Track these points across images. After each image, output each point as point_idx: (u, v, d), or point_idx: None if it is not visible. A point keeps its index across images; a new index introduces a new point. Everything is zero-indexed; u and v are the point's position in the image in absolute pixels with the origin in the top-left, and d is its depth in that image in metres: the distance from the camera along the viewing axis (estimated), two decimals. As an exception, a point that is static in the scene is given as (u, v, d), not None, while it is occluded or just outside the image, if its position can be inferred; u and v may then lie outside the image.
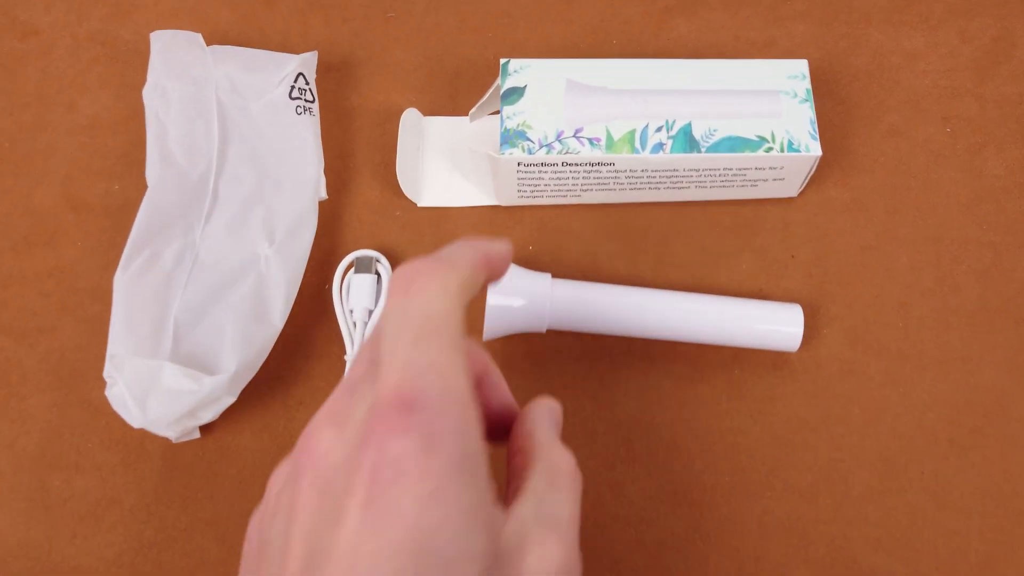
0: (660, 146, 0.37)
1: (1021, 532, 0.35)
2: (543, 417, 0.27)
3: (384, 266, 0.39)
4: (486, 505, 0.22)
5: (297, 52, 0.42)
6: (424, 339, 0.23)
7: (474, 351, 0.27)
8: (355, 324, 0.38)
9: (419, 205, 0.40)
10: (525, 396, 0.37)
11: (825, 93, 0.42)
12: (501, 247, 0.26)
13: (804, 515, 0.36)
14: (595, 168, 0.37)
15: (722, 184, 0.39)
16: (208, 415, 0.35)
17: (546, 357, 0.38)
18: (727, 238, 0.40)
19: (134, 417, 0.34)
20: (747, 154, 0.37)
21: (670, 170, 0.37)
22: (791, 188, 0.39)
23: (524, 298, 0.35)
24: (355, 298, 0.38)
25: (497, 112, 0.39)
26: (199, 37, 0.40)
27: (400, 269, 0.24)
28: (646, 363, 0.38)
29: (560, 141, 0.37)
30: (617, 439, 0.37)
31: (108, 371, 0.35)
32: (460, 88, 0.43)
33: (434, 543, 0.21)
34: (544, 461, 0.25)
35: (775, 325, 0.36)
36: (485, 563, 0.21)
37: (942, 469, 0.36)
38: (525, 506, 0.24)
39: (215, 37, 0.43)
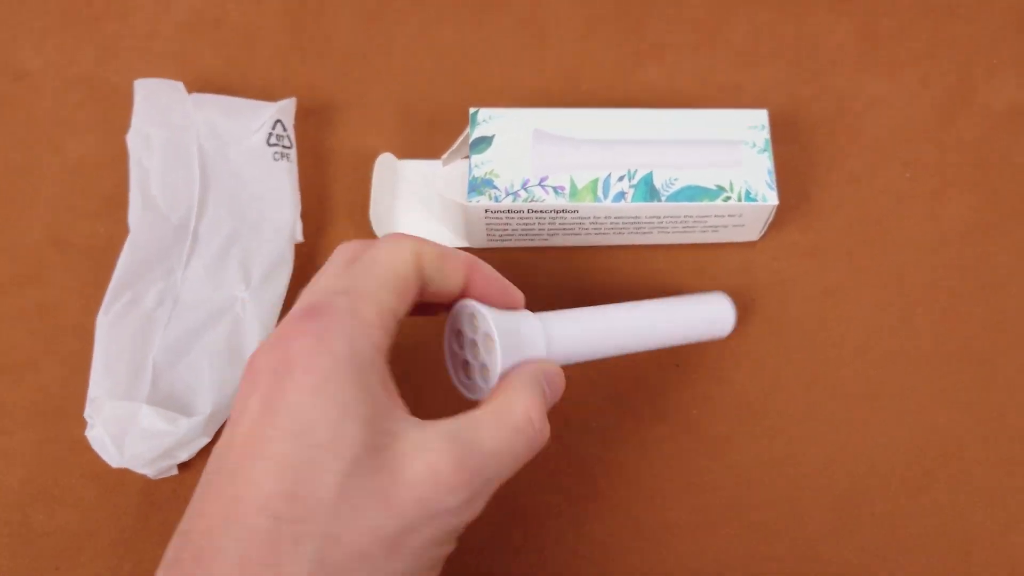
0: (622, 195, 0.38)
1: (969, 571, 0.36)
2: (528, 369, 0.29)
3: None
4: (371, 403, 0.25)
5: (277, 96, 0.44)
6: (351, 271, 0.27)
7: (452, 254, 0.29)
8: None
9: (393, 247, 0.42)
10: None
11: (789, 138, 0.44)
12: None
13: (761, 553, 0.37)
14: (560, 215, 0.38)
15: (683, 230, 0.40)
16: (184, 454, 0.36)
17: (512, 398, 0.39)
18: (690, 280, 0.41)
19: (112, 457, 0.35)
20: (706, 203, 0.38)
21: (632, 217, 0.39)
22: (751, 233, 0.41)
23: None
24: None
25: (467, 157, 0.40)
26: (181, 85, 0.42)
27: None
28: (608, 403, 0.39)
29: (526, 189, 0.38)
30: (580, 476, 0.38)
31: (88, 413, 0.36)
32: (435, 132, 0.44)
33: (311, 430, 0.24)
34: (500, 399, 0.28)
35: (708, 317, 0.38)
36: (355, 452, 0.24)
37: (895, 509, 0.37)
38: (448, 423, 0.26)
39: (199, 81, 0.45)
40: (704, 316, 0.38)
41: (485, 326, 0.30)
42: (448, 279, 0.29)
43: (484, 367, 0.30)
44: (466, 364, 0.31)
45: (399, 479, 0.24)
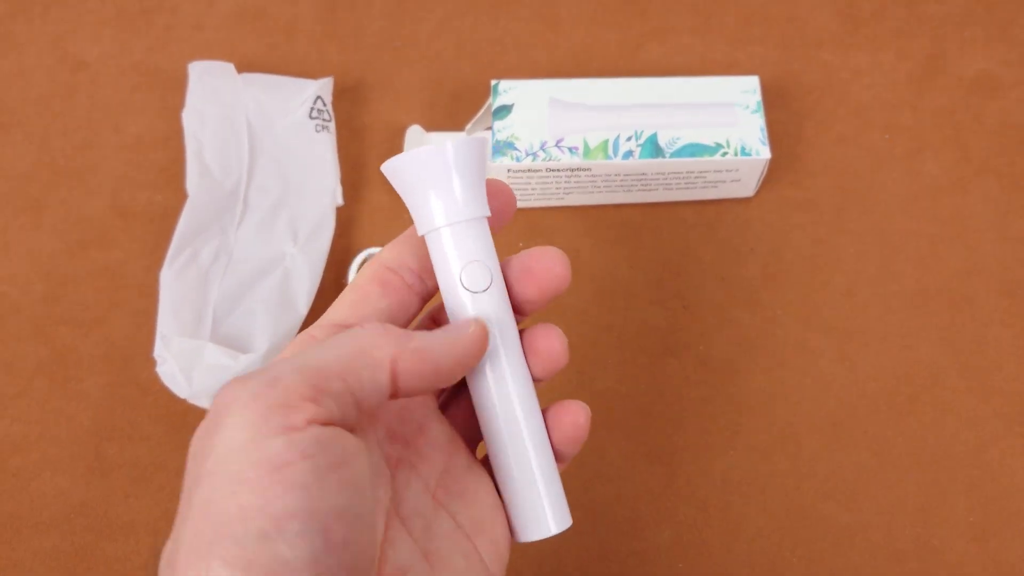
0: (630, 153, 0.42)
1: (950, 484, 0.40)
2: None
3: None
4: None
5: (315, 78, 0.48)
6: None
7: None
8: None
9: (423, 209, 0.46)
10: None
11: (780, 106, 0.48)
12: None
13: (762, 471, 0.41)
14: (574, 173, 0.43)
15: (686, 186, 0.44)
16: (243, 389, 0.41)
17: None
18: (692, 233, 0.45)
19: (181, 388, 0.39)
20: (706, 158, 0.42)
21: (639, 174, 0.43)
22: (747, 188, 0.45)
23: None
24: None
25: (490, 128, 0.45)
26: (231, 67, 0.46)
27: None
28: (623, 341, 0.43)
29: (544, 150, 0.42)
30: (599, 407, 0.42)
31: (158, 350, 0.40)
32: (458, 107, 0.49)
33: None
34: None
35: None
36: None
37: (882, 431, 0.41)
38: None
39: (244, 65, 0.49)
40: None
41: None
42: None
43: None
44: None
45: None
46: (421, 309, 0.28)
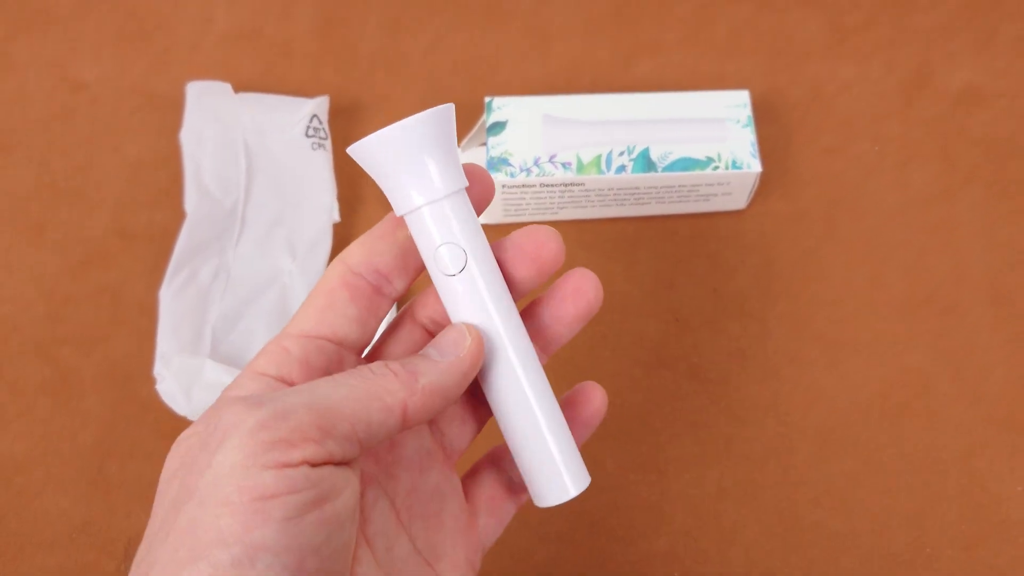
0: (623, 168, 0.43)
1: (940, 491, 0.41)
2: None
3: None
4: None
5: (311, 97, 0.49)
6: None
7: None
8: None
9: (419, 225, 0.47)
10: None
11: (770, 119, 0.49)
12: None
13: (755, 480, 0.41)
14: (568, 188, 0.44)
15: (678, 199, 0.45)
16: (243, 406, 0.41)
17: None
18: (685, 246, 0.46)
19: (181, 406, 0.40)
20: (697, 172, 0.43)
21: (632, 188, 0.44)
22: (739, 201, 0.46)
23: None
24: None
25: (484, 144, 0.45)
26: (228, 86, 0.47)
27: None
28: (617, 352, 0.44)
29: (537, 166, 0.43)
30: (593, 419, 0.43)
31: (158, 369, 0.41)
32: (453, 123, 0.49)
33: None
34: None
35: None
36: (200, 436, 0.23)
37: (873, 439, 0.42)
38: None
39: (241, 85, 0.50)
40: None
41: None
42: (400, 242, 0.27)
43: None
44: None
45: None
46: (391, 308, 0.28)
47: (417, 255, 0.27)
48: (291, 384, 0.25)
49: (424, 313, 0.29)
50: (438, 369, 0.25)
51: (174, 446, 0.25)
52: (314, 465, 0.22)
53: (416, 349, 0.29)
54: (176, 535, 0.21)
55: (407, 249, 0.27)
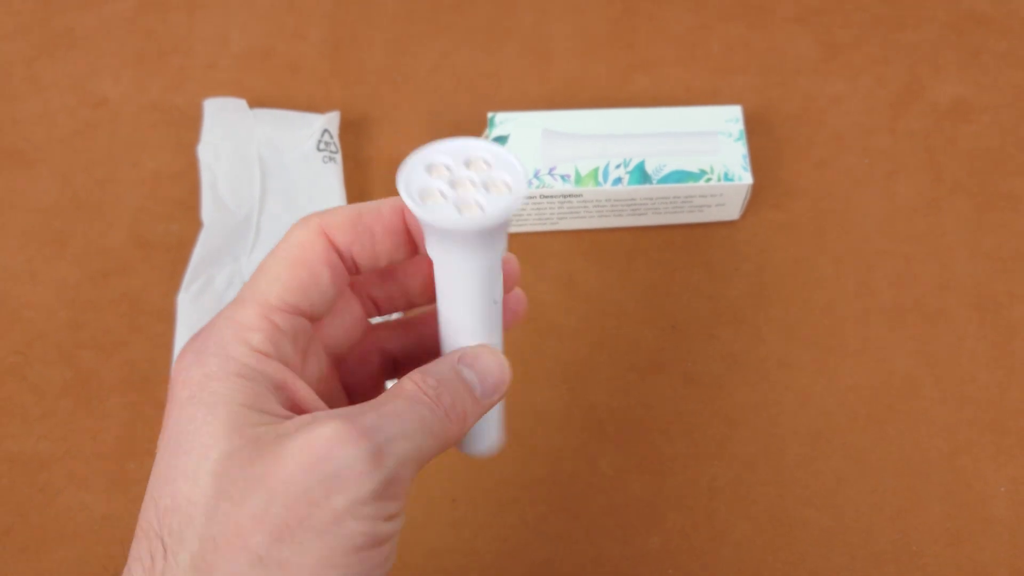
0: (619, 180, 0.45)
1: (925, 490, 0.42)
2: (448, 359, 0.27)
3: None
4: (242, 399, 0.23)
5: (322, 112, 0.51)
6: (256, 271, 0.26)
7: (371, 210, 0.27)
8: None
9: (425, 235, 0.49)
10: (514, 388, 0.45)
11: (762, 132, 0.51)
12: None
13: (747, 479, 0.43)
14: (567, 199, 0.46)
15: (673, 210, 0.47)
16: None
17: (531, 354, 0.46)
18: (681, 255, 0.48)
19: (197, 407, 0.42)
20: (691, 184, 0.45)
21: (629, 199, 0.46)
22: (732, 212, 0.47)
23: None
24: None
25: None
26: (243, 103, 0.49)
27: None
28: (614, 358, 0.46)
29: (538, 178, 0.45)
30: (591, 421, 0.44)
31: (175, 372, 0.43)
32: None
33: (180, 439, 0.23)
34: (402, 383, 0.26)
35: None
36: (223, 448, 0.23)
37: (861, 440, 0.43)
38: (339, 409, 0.24)
39: (254, 101, 0.52)
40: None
41: (486, 149, 0.26)
42: (379, 237, 0.27)
43: (486, 195, 0.26)
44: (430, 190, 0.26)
45: (282, 455, 0.23)
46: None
47: (387, 251, 0.27)
48: (288, 366, 0.25)
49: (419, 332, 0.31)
50: (480, 410, 0.27)
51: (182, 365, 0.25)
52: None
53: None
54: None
55: (389, 247, 0.27)
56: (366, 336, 0.31)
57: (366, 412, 0.24)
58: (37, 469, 0.44)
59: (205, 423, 0.23)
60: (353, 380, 0.31)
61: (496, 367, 0.27)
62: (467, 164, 0.26)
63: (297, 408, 0.25)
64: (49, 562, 0.42)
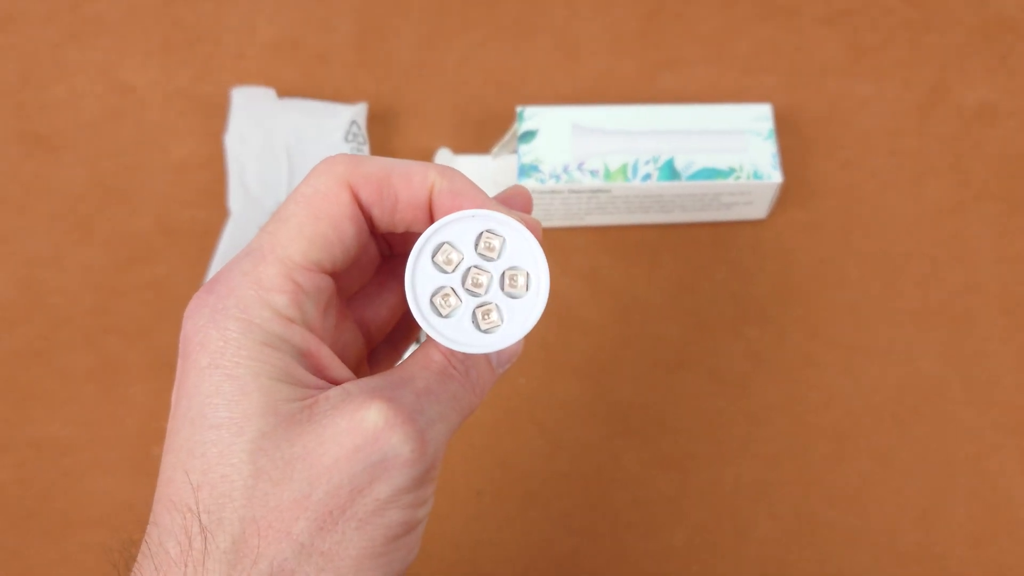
0: (648, 176, 0.45)
1: (951, 490, 0.42)
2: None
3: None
4: (273, 372, 0.22)
5: (349, 103, 0.51)
6: (272, 220, 0.24)
7: (402, 171, 0.24)
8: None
9: (451, 228, 0.49)
10: (540, 383, 0.45)
11: (789, 132, 0.51)
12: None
13: (771, 478, 0.43)
14: (595, 195, 0.46)
15: (701, 207, 0.47)
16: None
17: (557, 349, 0.46)
18: (707, 252, 0.48)
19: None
20: (719, 181, 0.45)
21: (657, 195, 0.46)
22: (760, 211, 0.47)
23: None
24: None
25: (515, 151, 0.47)
26: (272, 92, 0.49)
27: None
28: (640, 354, 0.46)
29: (566, 173, 0.45)
30: (616, 417, 0.44)
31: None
32: (484, 132, 0.51)
33: (209, 411, 0.22)
34: (417, 352, 0.25)
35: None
36: (259, 425, 0.22)
37: (887, 440, 0.43)
38: (371, 378, 0.24)
39: (282, 91, 0.52)
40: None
41: (519, 241, 0.24)
42: (402, 206, 0.25)
43: (496, 306, 0.24)
44: (443, 291, 0.24)
45: (323, 437, 0.22)
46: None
47: (406, 222, 0.25)
48: (312, 329, 0.24)
49: None
50: (494, 380, 0.26)
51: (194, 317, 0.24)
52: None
53: None
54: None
55: (409, 218, 0.25)
56: (380, 278, 0.29)
57: (402, 390, 0.23)
58: (61, 454, 0.44)
59: (235, 400, 0.22)
60: (369, 325, 0.29)
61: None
62: (477, 245, 0.24)
63: (323, 375, 0.24)
64: (72, 546, 0.42)
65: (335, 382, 0.24)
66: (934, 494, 0.42)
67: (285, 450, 0.22)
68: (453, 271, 0.24)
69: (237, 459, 0.22)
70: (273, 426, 0.22)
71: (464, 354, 0.25)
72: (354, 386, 0.23)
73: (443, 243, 0.24)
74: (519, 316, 0.24)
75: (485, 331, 0.24)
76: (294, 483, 0.22)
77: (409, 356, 0.25)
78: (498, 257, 0.24)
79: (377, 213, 0.25)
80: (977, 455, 0.43)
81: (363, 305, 0.29)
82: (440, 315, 0.24)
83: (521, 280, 0.24)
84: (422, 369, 0.24)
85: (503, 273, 0.24)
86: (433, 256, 0.24)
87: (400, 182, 0.24)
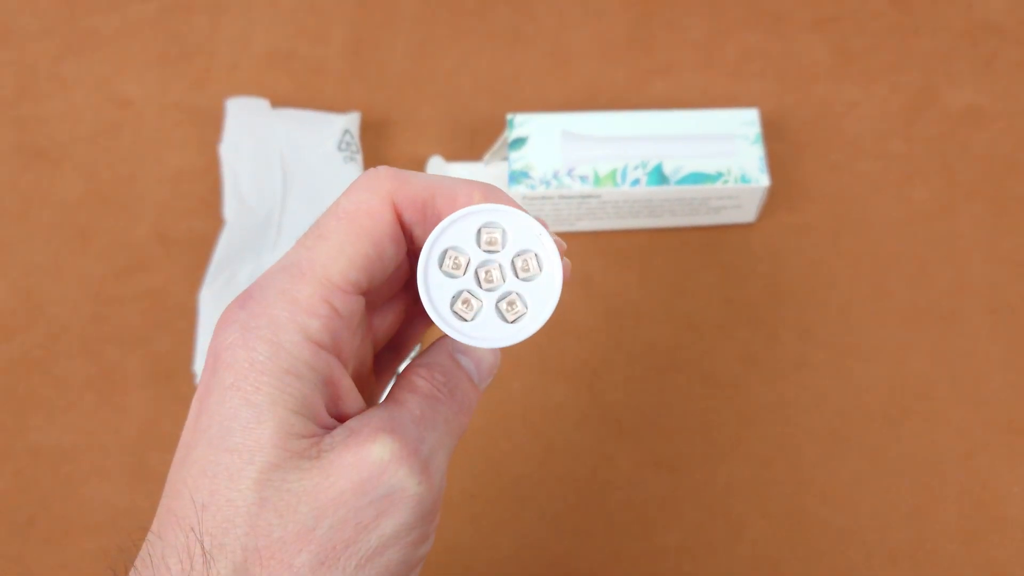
0: (637, 181, 0.46)
1: (941, 489, 0.43)
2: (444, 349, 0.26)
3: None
4: (291, 402, 0.22)
5: (343, 113, 0.52)
6: (311, 233, 0.24)
7: (446, 193, 0.24)
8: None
9: (444, 234, 0.49)
10: (533, 387, 0.45)
11: (778, 137, 0.51)
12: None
13: (763, 478, 0.43)
14: (585, 200, 0.46)
15: (690, 212, 0.47)
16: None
17: (550, 353, 0.46)
18: (697, 256, 0.48)
19: (220, 400, 0.43)
20: (708, 186, 0.45)
21: (646, 200, 0.46)
22: (748, 214, 0.48)
23: None
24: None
25: (506, 158, 0.48)
26: (266, 102, 0.50)
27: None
28: (632, 358, 0.46)
29: (556, 179, 0.46)
30: (609, 419, 0.45)
31: (197, 366, 0.43)
32: (476, 139, 0.52)
33: (227, 433, 0.22)
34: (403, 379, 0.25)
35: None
36: (269, 457, 0.22)
37: (877, 440, 0.44)
38: (374, 410, 0.24)
39: (275, 101, 0.53)
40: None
41: (527, 237, 0.24)
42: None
43: (517, 295, 0.24)
44: (462, 297, 0.25)
45: (330, 472, 0.22)
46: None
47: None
48: (340, 356, 0.24)
49: None
50: (478, 397, 0.27)
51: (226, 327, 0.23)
52: None
53: None
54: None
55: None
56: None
57: (401, 419, 0.23)
58: (60, 461, 0.45)
59: (250, 427, 0.22)
60: (377, 331, 0.29)
61: (488, 352, 0.27)
62: (479, 242, 0.24)
63: (337, 406, 0.24)
64: (71, 553, 0.43)
65: (346, 416, 0.24)
66: (925, 492, 0.43)
67: (293, 483, 0.22)
68: (464, 274, 0.24)
69: (244, 486, 0.22)
70: (283, 459, 0.22)
71: (446, 376, 0.25)
72: (357, 422, 0.23)
73: (446, 249, 0.24)
74: (540, 296, 0.24)
75: (513, 322, 0.24)
76: (299, 516, 0.22)
77: (393, 385, 0.26)
78: (503, 247, 0.24)
79: (419, 233, 0.25)
80: (967, 453, 0.43)
81: (373, 313, 0.29)
82: (464, 320, 0.24)
83: (532, 263, 0.24)
84: (409, 394, 0.25)
85: (512, 261, 0.24)
86: (440, 265, 0.24)
87: (444, 202, 0.24)
